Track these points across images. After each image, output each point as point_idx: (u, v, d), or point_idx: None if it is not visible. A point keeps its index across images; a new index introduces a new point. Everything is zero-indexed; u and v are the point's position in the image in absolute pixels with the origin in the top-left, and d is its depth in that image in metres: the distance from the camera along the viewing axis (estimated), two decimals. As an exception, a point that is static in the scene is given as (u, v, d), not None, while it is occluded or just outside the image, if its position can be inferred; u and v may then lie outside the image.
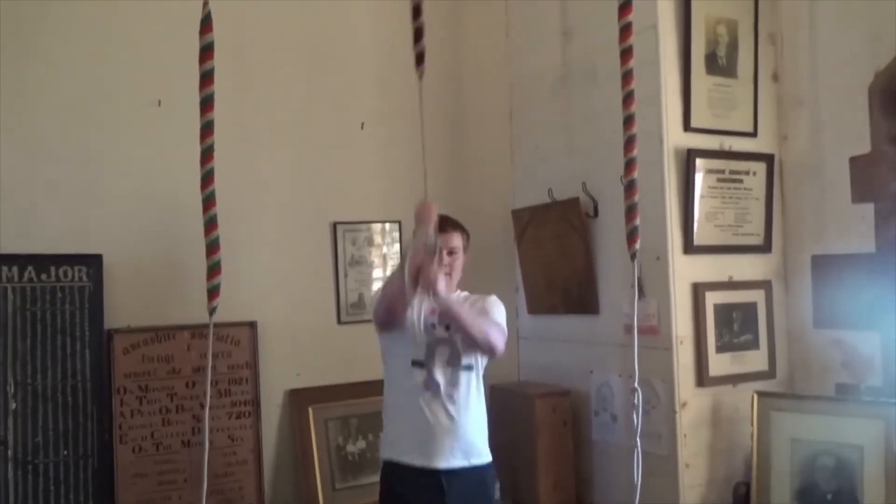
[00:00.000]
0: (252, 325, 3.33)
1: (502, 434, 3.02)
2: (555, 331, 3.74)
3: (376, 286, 3.68)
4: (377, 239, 3.73)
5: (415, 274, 2.45)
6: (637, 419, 2.01)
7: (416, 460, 2.53)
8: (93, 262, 3.05)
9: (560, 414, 3.44)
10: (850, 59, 3.05)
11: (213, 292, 2.22)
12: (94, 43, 3.17)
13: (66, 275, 3.00)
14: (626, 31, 2.19)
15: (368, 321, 3.53)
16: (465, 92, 3.92)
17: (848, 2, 3.06)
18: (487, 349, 2.58)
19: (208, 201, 2.25)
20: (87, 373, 3.00)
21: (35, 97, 3.05)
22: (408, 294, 2.48)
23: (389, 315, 2.56)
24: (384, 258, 3.73)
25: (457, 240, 2.71)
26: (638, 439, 2.01)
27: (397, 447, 2.60)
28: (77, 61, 3.14)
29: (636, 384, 2.03)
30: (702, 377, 3.09)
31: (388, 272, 3.73)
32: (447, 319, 2.55)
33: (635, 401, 2.05)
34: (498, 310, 2.71)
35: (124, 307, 3.13)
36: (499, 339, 2.59)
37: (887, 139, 2.91)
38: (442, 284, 2.45)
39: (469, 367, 2.60)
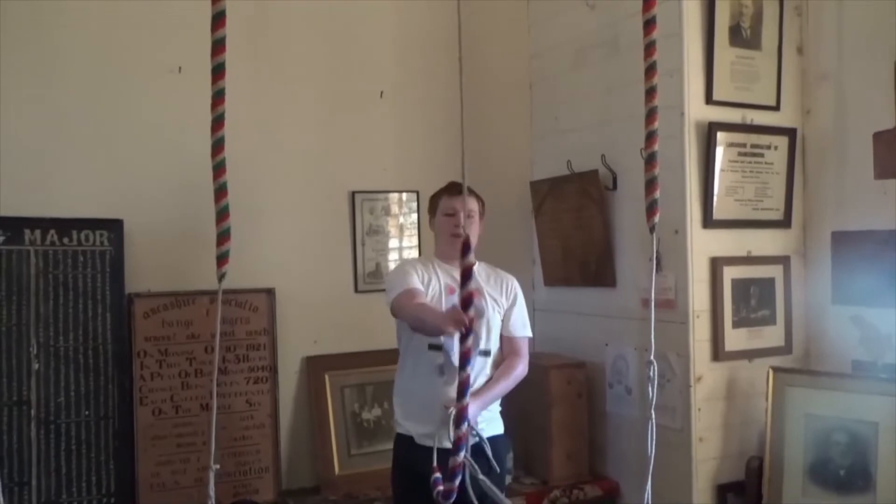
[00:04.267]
0: (270, 292, 3.36)
1: (516, 405, 3.04)
2: (571, 303, 3.74)
3: (393, 257, 3.70)
4: (395, 209, 3.73)
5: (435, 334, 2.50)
6: (652, 392, 2.00)
7: (429, 441, 2.55)
8: (114, 227, 3.08)
9: (575, 386, 3.46)
10: (875, 33, 3.00)
11: (221, 259, 2.22)
12: (115, 8, 3.17)
13: (87, 239, 3.03)
14: (650, 0, 2.15)
15: (385, 290, 3.59)
16: (485, 63, 3.88)
17: (876, -25, 3.01)
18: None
19: (219, 169, 2.24)
20: (108, 336, 3.04)
21: (57, 63, 3.07)
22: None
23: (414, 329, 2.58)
24: (401, 228, 3.73)
25: (473, 203, 2.75)
26: (652, 412, 2.00)
27: (412, 426, 2.63)
28: (99, 27, 3.14)
29: (652, 357, 2.02)
30: (717, 352, 3.09)
31: (406, 242, 3.75)
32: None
33: (651, 373, 2.04)
34: (524, 313, 2.80)
35: (145, 272, 3.16)
36: (525, 368, 2.76)
37: (913, 114, 2.88)
38: (472, 410, 2.44)
39: (487, 353, 2.64)
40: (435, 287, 2.68)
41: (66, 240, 3.00)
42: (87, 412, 2.98)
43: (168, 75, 3.24)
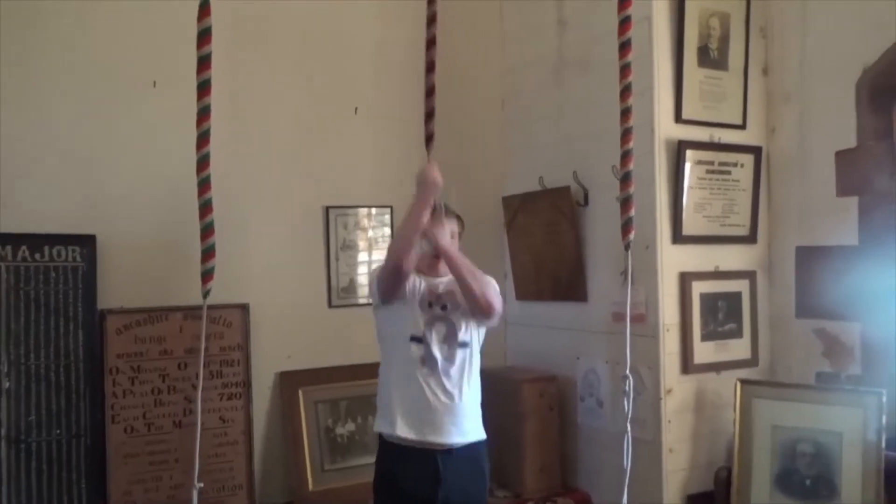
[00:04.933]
0: (244, 308, 3.36)
1: (489, 418, 3.06)
2: (542, 317, 3.79)
3: (368, 269, 3.71)
4: (368, 223, 3.75)
5: (417, 225, 2.56)
6: (628, 405, 2.06)
7: (412, 435, 2.57)
8: (86, 243, 3.05)
9: (547, 399, 3.50)
10: (838, 55, 3.11)
11: (206, 275, 2.24)
12: (90, 22, 3.15)
13: (59, 255, 3.00)
14: (625, 23, 2.22)
15: (359, 305, 3.61)
16: (458, 78, 3.91)
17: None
18: (486, 305, 2.62)
19: (203, 185, 2.25)
20: (79, 353, 3.01)
21: (31, 77, 3.03)
22: (410, 255, 2.57)
23: (395, 275, 2.59)
24: (375, 243, 3.75)
25: (452, 224, 2.76)
26: (628, 424, 2.06)
27: (393, 422, 2.62)
28: (73, 41, 3.12)
29: (628, 371, 2.08)
30: (687, 364, 3.16)
31: (378, 256, 3.76)
32: (450, 267, 2.64)
33: (626, 387, 2.10)
34: (493, 286, 2.75)
35: (117, 288, 3.14)
36: (496, 298, 2.67)
37: (873, 135, 2.99)
38: (446, 237, 2.60)
39: (465, 345, 2.65)
40: (414, 283, 2.69)
41: (37, 256, 2.96)
42: (58, 430, 2.94)
43: (143, 90, 3.23)
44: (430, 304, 2.65)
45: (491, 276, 2.75)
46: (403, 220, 2.69)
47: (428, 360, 2.61)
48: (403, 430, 2.59)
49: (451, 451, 2.58)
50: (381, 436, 2.67)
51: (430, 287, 2.70)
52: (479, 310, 2.64)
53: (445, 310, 2.66)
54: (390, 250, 2.72)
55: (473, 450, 2.65)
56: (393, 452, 2.63)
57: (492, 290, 2.67)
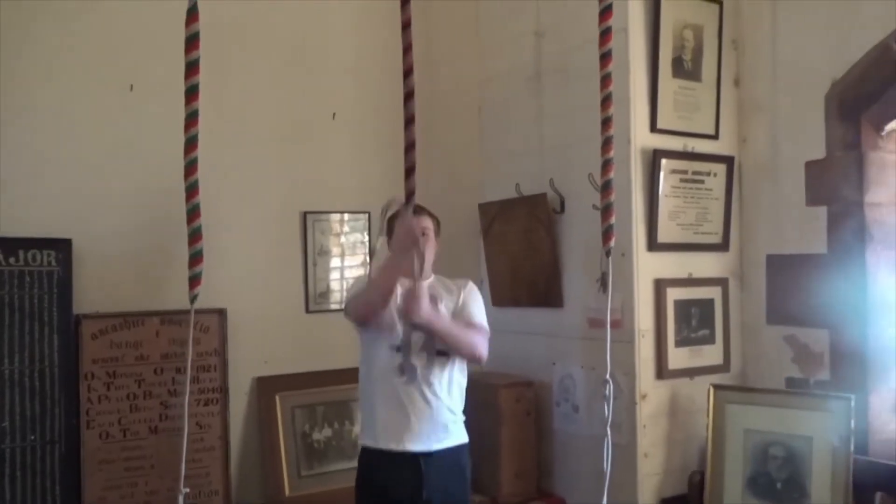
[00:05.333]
0: (221, 313, 3.34)
1: (466, 424, 3.09)
2: (519, 323, 3.82)
3: (343, 275, 3.73)
4: (346, 229, 3.76)
5: (386, 294, 2.51)
6: (608, 410, 2.09)
7: (393, 444, 2.59)
8: (62, 247, 3.03)
9: (523, 404, 3.53)
10: (808, 67, 3.18)
11: (194, 280, 2.22)
12: (65, 24, 3.13)
13: (34, 259, 2.97)
14: (606, 34, 2.26)
15: (337, 310, 3.60)
16: (435, 86, 3.95)
17: (807, 13, 3.18)
18: (474, 360, 2.71)
19: (191, 190, 2.24)
20: (54, 358, 2.98)
21: (7, 80, 3.00)
22: (379, 313, 2.56)
23: (364, 322, 2.63)
24: (353, 248, 3.76)
25: (428, 221, 2.78)
26: (608, 429, 2.09)
27: (375, 432, 2.64)
28: (48, 43, 3.10)
29: (608, 376, 2.12)
30: (661, 370, 3.21)
31: (355, 262, 3.78)
32: (438, 336, 2.62)
33: (606, 392, 2.13)
34: (479, 306, 2.81)
35: (93, 292, 3.11)
36: (484, 347, 2.71)
37: (842, 146, 3.06)
38: (425, 307, 2.51)
39: (444, 353, 2.66)
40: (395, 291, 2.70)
41: (12, 259, 2.93)
42: (32, 437, 2.91)
43: (120, 93, 3.21)
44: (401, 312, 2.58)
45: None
46: (374, 280, 2.59)
47: (407, 370, 2.61)
48: (385, 442, 2.61)
49: (432, 455, 2.59)
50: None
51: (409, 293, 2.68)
52: (468, 361, 2.71)
53: None
54: (356, 306, 2.63)
55: (455, 452, 2.67)
56: (375, 458, 2.64)
57: (480, 344, 2.69)
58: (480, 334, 2.72)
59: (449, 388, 2.67)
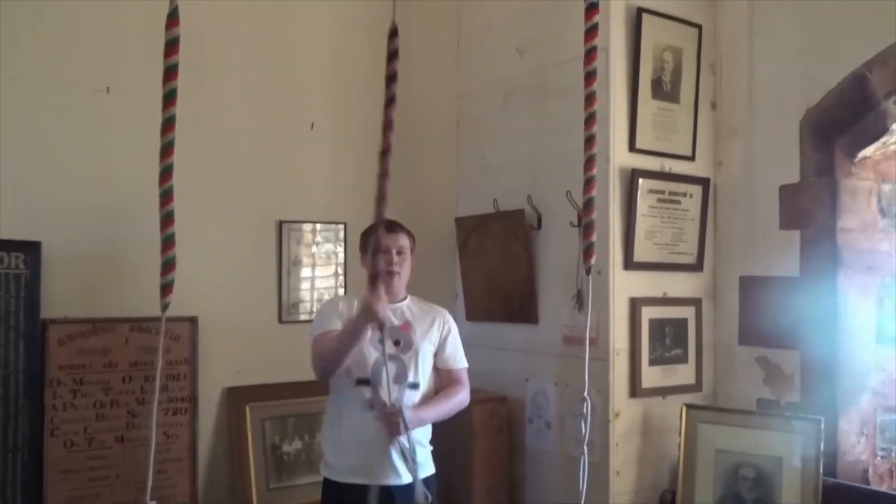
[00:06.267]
0: (193, 321, 3.29)
1: (439, 438, 3.06)
2: (493, 338, 3.81)
3: (314, 285, 3.69)
4: (319, 239, 3.73)
5: (344, 357, 2.51)
6: (585, 428, 2.09)
7: (360, 479, 2.54)
8: (31, 250, 2.95)
9: (497, 420, 3.52)
10: (783, 93, 3.24)
11: (166, 288, 2.18)
12: (41, 24, 3.07)
13: (2, 261, 2.90)
14: (591, 54, 2.28)
15: (310, 321, 3.56)
16: (413, 99, 3.92)
17: (783, 40, 3.25)
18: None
19: (166, 197, 2.20)
20: (19, 363, 2.90)
21: (-24, 77, 2.94)
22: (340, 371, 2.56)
23: (329, 375, 2.62)
24: (327, 258, 3.73)
25: (404, 239, 2.75)
26: (585, 447, 2.09)
27: (340, 467, 2.59)
28: (21, 43, 3.03)
29: (586, 393, 2.12)
30: (635, 388, 3.23)
31: (328, 272, 3.75)
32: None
33: (584, 409, 2.13)
34: (460, 348, 2.82)
35: (62, 297, 3.04)
36: (468, 396, 2.77)
37: (815, 171, 3.12)
38: (410, 419, 2.49)
39: (415, 386, 2.62)
40: None
41: (-22, 262, 2.86)
42: (-6, 444, 2.83)
43: (95, 95, 3.15)
44: (381, 342, 2.44)
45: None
46: (341, 335, 2.53)
47: (376, 403, 2.55)
48: (350, 476, 2.57)
49: (400, 488, 2.55)
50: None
51: (380, 321, 2.51)
52: None
53: (398, 345, 2.62)
54: (321, 359, 2.59)
55: (425, 484, 2.59)
56: (341, 492, 2.58)
57: (466, 398, 2.77)
58: (465, 387, 2.76)
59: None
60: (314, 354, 2.63)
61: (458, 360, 2.80)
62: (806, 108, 3.14)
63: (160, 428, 3.17)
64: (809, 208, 3.11)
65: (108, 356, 3.11)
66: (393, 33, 2.26)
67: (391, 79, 2.27)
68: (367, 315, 2.36)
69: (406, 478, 2.54)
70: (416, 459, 2.50)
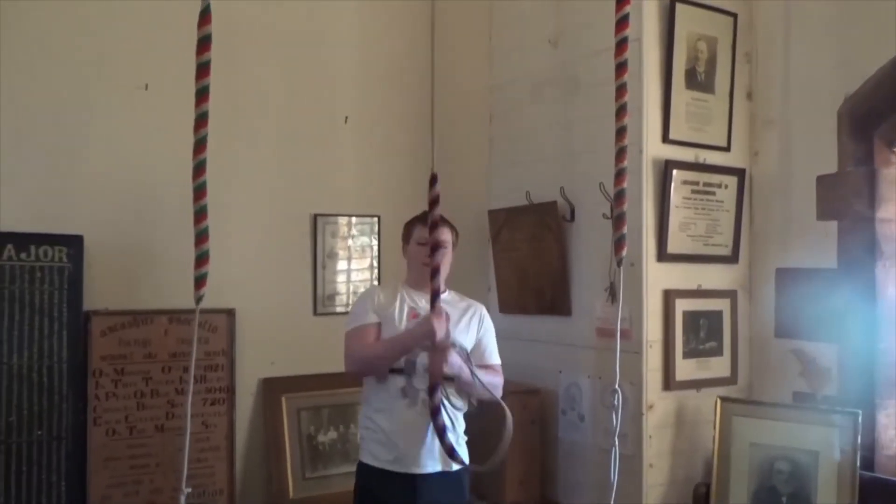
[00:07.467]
0: (230, 313, 3.36)
1: (471, 430, 3.08)
2: (526, 331, 3.82)
3: (350, 278, 3.73)
4: (355, 232, 3.77)
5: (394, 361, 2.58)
6: (616, 419, 2.09)
7: (393, 466, 2.58)
8: (73, 243, 3.04)
9: (529, 412, 3.53)
10: (820, 82, 3.18)
11: (200, 281, 2.22)
12: (82, 23, 3.16)
13: (45, 255, 2.98)
14: (622, 45, 2.27)
15: (344, 313, 3.61)
16: (445, 93, 3.95)
17: (820, 28, 3.19)
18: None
19: (199, 191, 2.24)
20: (63, 354, 2.99)
21: (22, 77, 3.03)
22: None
23: (366, 375, 2.67)
24: (362, 251, 3.77)
25: (447, 234, 2.77)
26: (616, 439, 2.09)
27: (375, 453, 2.63)
28: (64, 41, 3.12)
29: (617, 385, 2.12)
30: (668, 381, 3.20)
31: (363, 265, 3.79)
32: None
33: (616, 401, 2.13)
34: (495, 343, 2.85)
35: (103, 289, 3.13)
36: (500, 389, 2.76)
37: (853, 161, 3.06)
38: (454, 362, 2.54)
39: (448, 378, 2.62)
40: (396, 310, 2.69)
41: (23, 255, 2.95)
42: (39, 432, 2.92)
43: (134, 92, 3.23)
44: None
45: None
46: (392, 343, 2.61)
47: (409, 392, 2.59)
48: (384, 462, 2.60)
49: (431, 477, 2.59)
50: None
51: (417, 311, 2.65)
52: None
53: None
54: (362, 360, 2.65)
55: (455, 476, 2.65)
56: (374, 477, 2.63)
57: (499, 388, 2.75)
58: (499, 377, 2.77)
59: (453, 411, 2.66)
60: (348, 348, 2.67)
61: (494, 355, 2.82)
62: (844, 96, 3.08)
63: (199, 417, 3.25)
64: (847, 199, 3.05)
65: (148, 347, 3.18)
66: (433, 181, 2.44)
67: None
68: (427, 335, 2.44)
69: (434, 467, 2.57)
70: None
